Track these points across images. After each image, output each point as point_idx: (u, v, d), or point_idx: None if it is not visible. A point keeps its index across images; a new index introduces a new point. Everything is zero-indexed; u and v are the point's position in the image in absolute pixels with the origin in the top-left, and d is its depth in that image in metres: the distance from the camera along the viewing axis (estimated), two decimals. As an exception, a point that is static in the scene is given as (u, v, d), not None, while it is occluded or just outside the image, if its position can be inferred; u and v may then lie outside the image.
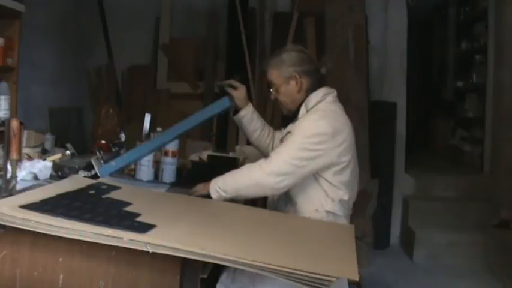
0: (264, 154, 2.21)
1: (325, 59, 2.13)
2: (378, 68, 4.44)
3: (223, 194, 1.86)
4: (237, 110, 2.17)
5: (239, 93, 2.12)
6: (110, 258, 1.30)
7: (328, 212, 1.92)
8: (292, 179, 1.84)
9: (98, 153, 2.05)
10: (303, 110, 1.99)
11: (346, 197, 1.95)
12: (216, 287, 1.76)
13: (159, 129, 2.22)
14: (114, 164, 1.95)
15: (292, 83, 1.99)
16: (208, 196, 1.89)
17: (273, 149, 2.20)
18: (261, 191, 1.90)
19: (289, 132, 2.00)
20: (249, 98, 2.21)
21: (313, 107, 1.96)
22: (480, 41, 4.88)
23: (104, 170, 1.94)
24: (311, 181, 1.92)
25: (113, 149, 2.45)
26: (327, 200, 1.92)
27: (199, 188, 1.93)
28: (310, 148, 1.85)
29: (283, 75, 1.99)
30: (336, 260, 1.40)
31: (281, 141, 2.07)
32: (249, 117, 2.16)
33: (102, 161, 1.97)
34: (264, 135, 2.22)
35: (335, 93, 2.03)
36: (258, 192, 1.92)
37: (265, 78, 2.11)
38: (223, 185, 1.87)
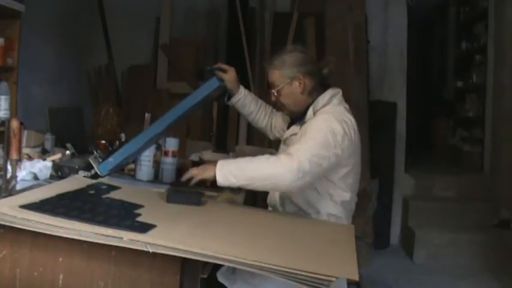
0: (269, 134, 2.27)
1: (328, 59, 2.07)
2: (378, 68, 4.43)
3: (233, 180, 1.73)
4: (230, 96, 2.20)
5: (229, 75, 2.14)
6: (110, 258, 1.29)
7: (329, 214, 1.93)
8: (311, 177, 1.76)
9: (95, 152, 2.04)
10: (310, 112, 1.95)
11: (348, 198, 1.95)
12: (215, 287, 1.76)
13: None
14: (112, 160, 1.93)
15: (296, 83, 1.95)
16: (213, 183, 1.76)
17: (271, 130, 2.25)
18: (275, 186, 1.80)
19: (294, 134, 1.97)
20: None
21: (320, 109, 1.95)
22: (480, 41, 4.88)
23: (103, 168, 1.92)
24: (314, 184, 1.89)
25: (110, 148, 2.44)
26: (329, 202, 1.92)
27: (197, 172, 1.80)
28: (327, 147, 1.78)
29: (286, 75, 1.95)
30: (336, 260, 1.40)
31: (284, 142, 2.06)
32: (242, 102, 2.20)
33: (100, 160, 1.96)
34: (259, 117, 2.24)
35: (340, 93, 2.02)
36: (270, 187, 1.83)
37: (266, 79, 2.10)
38: (236, 170, 1.73)
